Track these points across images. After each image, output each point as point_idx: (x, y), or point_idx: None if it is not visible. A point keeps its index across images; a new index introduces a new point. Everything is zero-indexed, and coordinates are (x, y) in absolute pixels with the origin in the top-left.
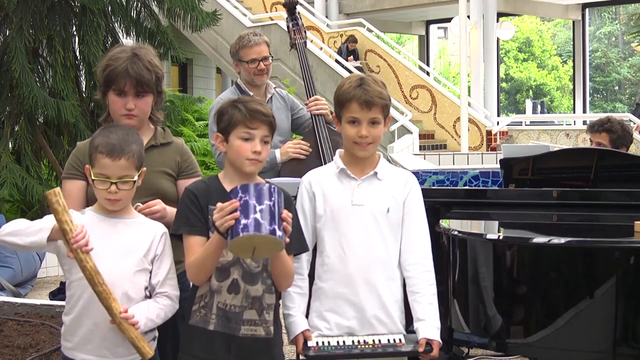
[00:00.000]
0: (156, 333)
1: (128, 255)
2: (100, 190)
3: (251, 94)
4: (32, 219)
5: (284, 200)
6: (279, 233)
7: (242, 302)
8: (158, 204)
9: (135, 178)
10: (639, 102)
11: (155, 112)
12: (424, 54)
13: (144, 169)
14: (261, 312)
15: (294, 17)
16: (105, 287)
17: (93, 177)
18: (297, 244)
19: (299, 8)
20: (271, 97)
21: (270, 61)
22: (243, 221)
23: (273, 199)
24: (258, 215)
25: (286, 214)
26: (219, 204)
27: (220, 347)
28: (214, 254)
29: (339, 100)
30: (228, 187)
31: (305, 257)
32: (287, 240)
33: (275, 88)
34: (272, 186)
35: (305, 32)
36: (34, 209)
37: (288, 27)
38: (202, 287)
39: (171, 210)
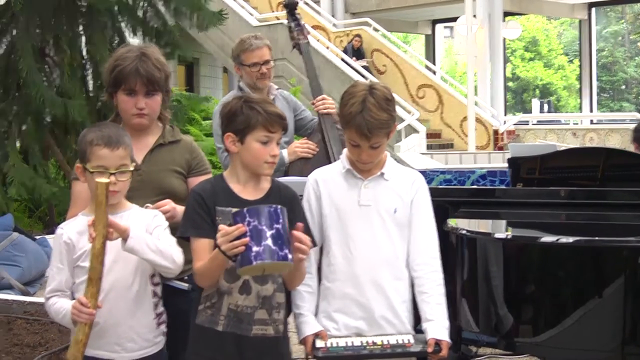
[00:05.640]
0: (164, 329)
1: (127, 253)
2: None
3: None
4: (39, 218)
5: (292, 200)
6: (290, 257)
7: (253, 303)
8: (168, 204)
9: (132, 168)
10: None
11: (163, 111)
12: (431, 53)
13: (135, 163)
14: (271, 311)
15: (295, 18)
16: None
17: (91, 170)
18: None
19: (305, 7)
20: (273, 99)
21: (272, 64)
22: (255, 248)
23: (281, 221)
24: (270, 242)
25: (299, 236)
26: (224, 228)
27: (231, 348)
28: (219, 268)
29: (341, 118)
30: (234, 187)
31: (314, 256)
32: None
33: (277, 89)
34: (278, 207)
35: (307, 31)
36: (42, 208)
37: (289, 27)
38: (208, 287)
39: (181, 210)
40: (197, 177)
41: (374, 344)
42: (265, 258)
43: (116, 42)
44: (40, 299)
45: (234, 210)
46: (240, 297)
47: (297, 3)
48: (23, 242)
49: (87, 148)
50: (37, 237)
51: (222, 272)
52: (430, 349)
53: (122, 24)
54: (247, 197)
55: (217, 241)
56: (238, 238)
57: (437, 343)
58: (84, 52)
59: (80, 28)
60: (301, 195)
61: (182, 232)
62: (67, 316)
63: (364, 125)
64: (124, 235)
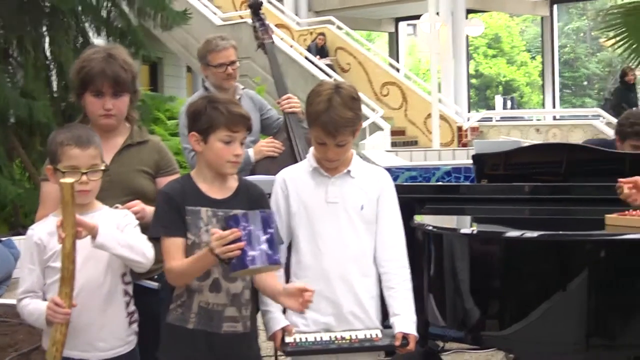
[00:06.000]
0: (136, 328)
1: (98, 251)
2: None
3: None
4: (4, 219)
5: (260, 198)
6: (281, 260)
7: (223, 300)
8: (137, 205)
9: (103, 167)
10: (607, 97)
11: (131, 111)
12: (394, 51)
13: (104, 163)
14: (240, 308)
15: (260, 17)
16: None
17: (63, 170)
18: None
19: (268, 6)
20: (240, 99)
21: (238, 65)
22: (250, 253)
23: (273, 225)
24: (265, 247)
25: (307, 299)
26: (218, 232)
27: (202, 345)
28: (204, 269)
29: (307, 117)
30: (202, 186)
31: (282, 254)
32: None
33: (243, 89)
34: (272, 212)
35: (272, 31)
36: (7, 209)
37: (254, 27)
38: (179, 286)
39: (150, 210)
40: (165, 177)
41: (342, 338)
42: (261, 262)
43: (80, 42)
44: (8, 301)
45: (203, 209)
46: (211, 294)
47: (262, 3)
48: None
49: (57, 149)
50: (4, 239)
51: (199, 274)
52: (397, 343)
53: (86, 25)
54: (215, 196)
55: (211, 244)
56: (232, 242)
57: (405, 337)
58: (48, 53)
59: (44, 29)
60: (268, 194)
61: (154, 232)
62: (42, 317)
63: (329, 123)
64: (93, 233)
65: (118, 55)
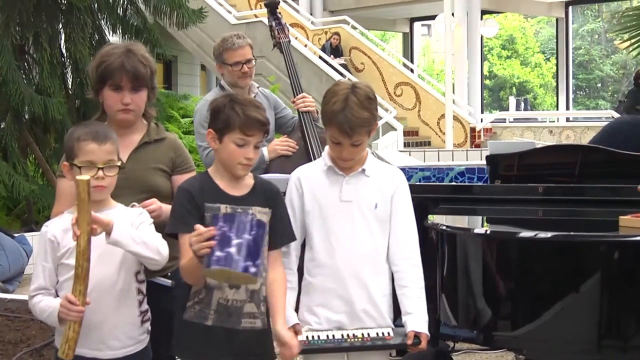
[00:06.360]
0: (148, 327)
1: (112, 249)
2: None
3: None
4: (18, 216)
5: (276, 196)
6: (252, 270)
7: (243, 297)
8: (154, 204)
9: (119, 163)
10: (621, 99)
11: (148, 108)
12: (408, 51)
13: (121, 160)
14: (259, 304)
15: (276, 17)
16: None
17: (79, 165)
18: (287, 236)
19: (284, 5)
20: (254, 97)
21: (254, 63)
22: (217, 253)
23: (253, 232)
24: (233, 250)
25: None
26: (199, 228)
27: (221, 341)
28: (197, 268)
29: (323, 116)
30: (220, 184)
31: (295, 252)
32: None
33: (258, 87)
34: (255, 219)
35: (288, 30)
36: (20, 205)
37: (271, 26)
38: (195, 284)
39: (167, 208)
40: (181, 174)
41: (355, 336)
42: (224, 265)
43: (96, 39)
44: (20, 296)
45: (223, 206)
46: (230, 291)
47: (279, 2)
48: (1, 239)
49: (74, 144)
50: (16, 235)
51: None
52: (409, 342)
53: (102, 22)
54: (234, 193)
55: (190, 239)
56: (210, 240)
57: (417, 336)
58: (64, 50)
59: (60, 26)
60: (283, 192)
61: (171, 228)
62: (53, 314)
63: (345, 123)
64: (108, 229)
65: (137, 50)
